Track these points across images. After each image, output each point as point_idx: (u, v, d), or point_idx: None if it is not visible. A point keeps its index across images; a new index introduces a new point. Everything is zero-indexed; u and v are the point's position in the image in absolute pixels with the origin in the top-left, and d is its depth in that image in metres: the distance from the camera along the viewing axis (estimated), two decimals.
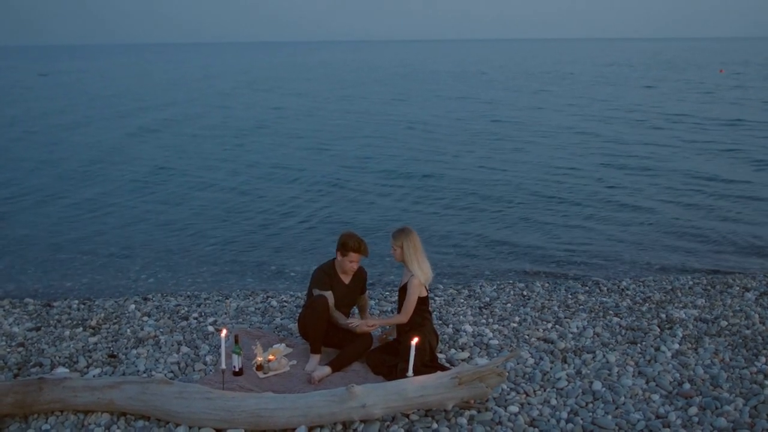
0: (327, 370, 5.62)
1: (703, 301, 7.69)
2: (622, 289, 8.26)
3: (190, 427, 4.81)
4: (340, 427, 4.84)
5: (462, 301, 7.81)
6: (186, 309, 7.64)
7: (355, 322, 5.87)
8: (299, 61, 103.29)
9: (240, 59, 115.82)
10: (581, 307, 7.51)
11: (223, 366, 5.29)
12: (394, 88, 44.80)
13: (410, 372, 5.10)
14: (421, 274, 5.71)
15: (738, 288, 8.26)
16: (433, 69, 70.33)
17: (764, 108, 29.27)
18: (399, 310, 5.82)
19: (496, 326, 6.85)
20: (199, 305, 7.81)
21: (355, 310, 6.38)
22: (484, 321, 7.05)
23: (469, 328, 6.73)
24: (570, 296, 7.96)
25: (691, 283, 8.55)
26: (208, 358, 6.10)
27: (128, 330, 6.88)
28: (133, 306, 7.73)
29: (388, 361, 5.67)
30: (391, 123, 25.93)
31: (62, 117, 29.17)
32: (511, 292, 8.18)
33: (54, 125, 26.31)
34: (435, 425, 4.88)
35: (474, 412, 5.05)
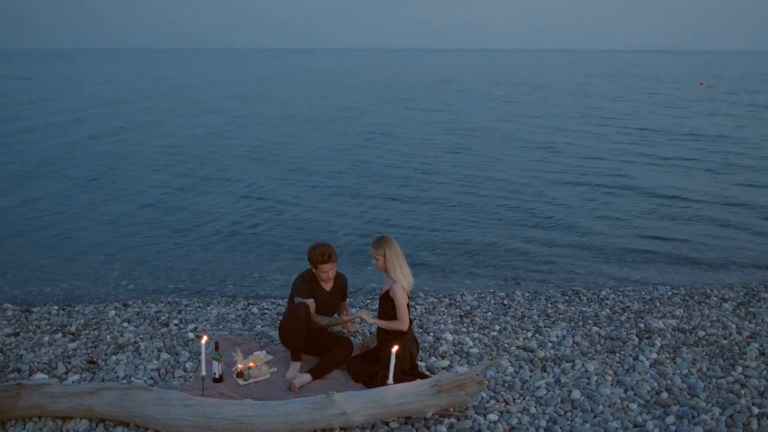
0: (307, 377, 5.62)
1: (682, 311, 7.78)
2: (602, 299, 8.33)
3: None
4: None
5: (443, 309, 7.83)
6: (166, 315, 7.61)
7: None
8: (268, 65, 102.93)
9: (214, 66, 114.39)
10: (561, 316, 7.57)
11: (203, 373, 5.28)
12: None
13: (390, 380, 5.12)
14: (404, 279, 5.73)
15: (716, 298, 8.37)
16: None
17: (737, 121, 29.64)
18: (380, 317, 5.83)
19: (476, 335, 6.88)
20: (179, 312, 7.78)
21: (336, 317, 6.38)
22: (464, 329, 7.08)
23: (449, 337, 6.76)
24: (550, 305, 8.02)
25: (669, 293, 8.65)
26: (188, 365, 6.08)
27: (108, 336, 6.83)
28: (113, 312, 7.69)
29: (368, 369, 5.68)
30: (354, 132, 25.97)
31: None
32: (492, 301, 8.22)
33: None
34: None
35: (453, 420, 5.07)
